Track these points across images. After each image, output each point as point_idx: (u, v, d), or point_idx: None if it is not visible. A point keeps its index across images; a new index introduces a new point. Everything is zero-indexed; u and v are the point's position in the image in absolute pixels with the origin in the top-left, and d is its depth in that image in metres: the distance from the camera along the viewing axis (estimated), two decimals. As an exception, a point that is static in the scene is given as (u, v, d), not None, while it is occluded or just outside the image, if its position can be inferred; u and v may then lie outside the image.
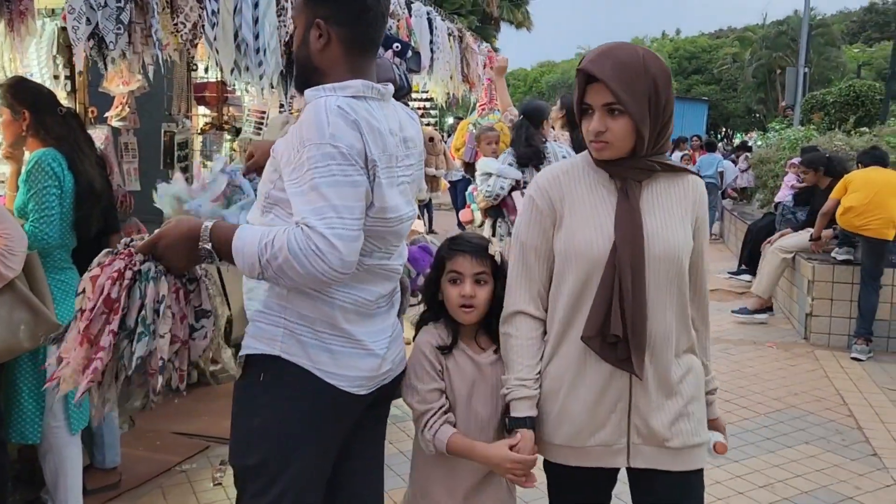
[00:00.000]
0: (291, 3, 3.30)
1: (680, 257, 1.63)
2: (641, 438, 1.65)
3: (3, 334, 2.35)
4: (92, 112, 3.81)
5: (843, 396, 4.59)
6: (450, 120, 14.45)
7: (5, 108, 2.70)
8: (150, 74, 3.16)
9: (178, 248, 1.54)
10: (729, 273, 8.12)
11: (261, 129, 4.44)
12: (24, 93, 2.72)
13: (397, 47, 3.30)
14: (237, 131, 4.55)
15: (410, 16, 4.87)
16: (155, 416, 3.79)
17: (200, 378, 4.01)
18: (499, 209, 4.42)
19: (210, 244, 1.52)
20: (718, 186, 11.36)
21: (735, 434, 3.82)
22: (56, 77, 3.64)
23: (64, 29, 3.26)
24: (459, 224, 9.71)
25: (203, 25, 2.75)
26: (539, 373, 1.69)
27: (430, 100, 8.83)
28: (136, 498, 3.09)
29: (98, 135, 3.53)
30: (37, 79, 3.42)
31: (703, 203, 1.72)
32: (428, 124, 8.05)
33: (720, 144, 19.79)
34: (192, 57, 3.51)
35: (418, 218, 4.45)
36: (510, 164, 4.30)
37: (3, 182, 3.20)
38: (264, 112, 4.50)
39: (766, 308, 6.55)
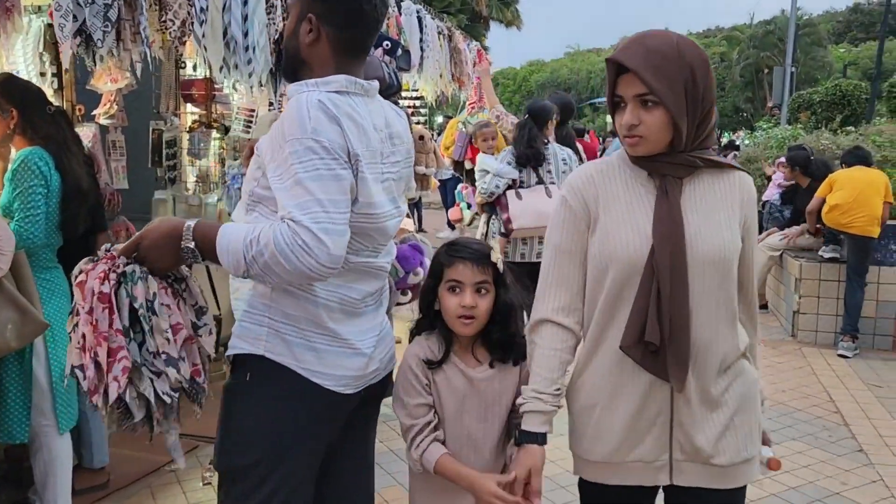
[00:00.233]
0: (281, 0, 3.29)
1: (726, 259, 1.50)
2: (685, 455, 1.53)
3: (-10, 334, 2.33)
4: (79, 110, 3.78)
5: (830, 393, 4.64)
6: (439, 119, 14.46)
7: (-7, 106, 2.68)
8: (138, 72, 3.14)
9: (161, 247, 1.51)
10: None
11: (250, 127, 4.42)
12: (12, 90, 2.69)
13: (387, 45, 3.30)
14: (226, 129, 4.52)
15: (400, 14, 4.86)
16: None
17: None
18: (493, 206, 4.44)
19: (193, 243, 1.49)
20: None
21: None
22: (43, 74, 3.61)
23: (50, 26, 3.24)
24: (449, 223, 9.74)
25: (192, 23, 2.74)
26: (558, 389, 1.57)
27: (420, 98, 8.83)
28: (125, 498, 3.08)
29: (86, 133, 3.50)
30: (23, 76, 3.39)
31: (751, 202, 1.57)
32: (418, 123, 8.05)
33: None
34: (181, 54, 3.48)
35: (408, 216, 4.46)
36: (508, 163, 4.32)
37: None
38: (253, 110, 4.48)
39: (762, 305, 6.61)
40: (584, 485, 1.66)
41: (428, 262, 3.11)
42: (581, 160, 4.67)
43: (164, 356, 1.52)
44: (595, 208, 1.55)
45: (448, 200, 9.52)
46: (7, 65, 3.40)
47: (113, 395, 1.47)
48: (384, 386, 1.77)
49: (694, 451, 1.52)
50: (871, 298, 5.60)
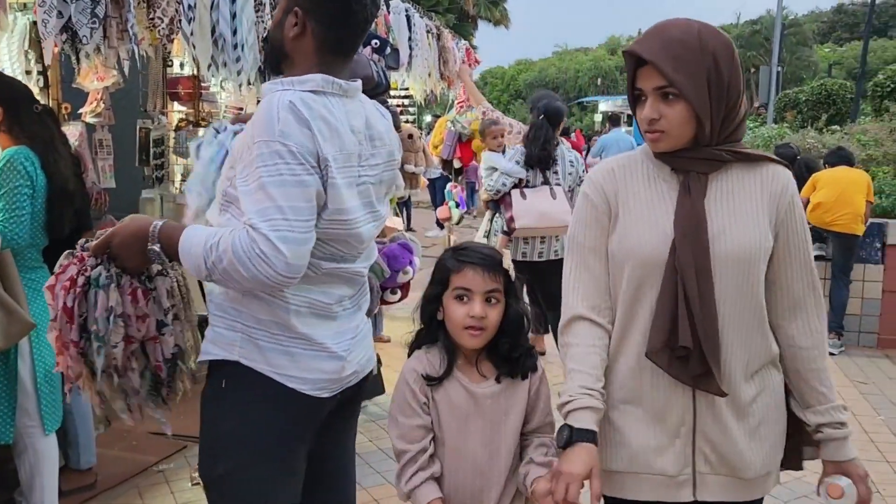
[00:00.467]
0: (269, -2, 3.28)
1: (752, 258, 1.40)
2: (709, 467, 1.44)
3: (-25, 334, 2.31)
4: (65, 108, 3.74)
5: (816, 390, 4.67)
6: (428, 117, 14.45)
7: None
8: (126, 70, 3.12)
9: (130, 247, 1.50)
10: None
11: (238, 125, 4.40)
12: (-2, 88, 2.66)
13: (376, 44, 3.30)
14: (214, 128, 4.50)
15: (389, 12, 4.86)
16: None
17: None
18: (497, 204, 4.46)
19: (158, 245, 1.47)
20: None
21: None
22: (28, 73, 3.58)
23: (36, 23, 3.21)
24: (438, 221, 9.73)
25: (180, 20, 2.72)
26: (604, 387, 1.44)
27: (409, 97, 8.83)
28: (113, 499, 3.06)
29: (72, 131, 3.47)
30: (8, 74, 3.36)
31: (784, 195, 1.44)
32: (407, 121, 8.04)
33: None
34: (169, 52, 3.47)
35: (396, 215, 4.45)
36: (517, 162, 4.34)
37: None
38: (241, 109, 4.47)
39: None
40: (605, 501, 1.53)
41: (417, 260, 3.10)
42: None
43: (114, 362, 1.53)
44: (615, 203, 1.48)
45: (437, 199, 9.51)
46: (-9, 63, 3.37)
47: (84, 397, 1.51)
48: (362, 387, 1.74)
49: (719, 462, 1.43)
50: (856, 296, 5.65)
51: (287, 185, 1.38)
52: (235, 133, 1.85)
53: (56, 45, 2.40)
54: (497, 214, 4.54)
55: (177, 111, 4.63)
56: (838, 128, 9.91)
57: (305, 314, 1.54)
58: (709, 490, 1.45)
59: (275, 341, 1.52)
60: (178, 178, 4.40)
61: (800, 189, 5.81)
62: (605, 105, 25.28)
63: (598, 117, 15.91)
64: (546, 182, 4.30)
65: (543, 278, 4.18)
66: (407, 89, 6.18)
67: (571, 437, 1.37)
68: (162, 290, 1.58)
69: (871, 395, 4.59)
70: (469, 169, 5.82)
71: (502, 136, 4.75)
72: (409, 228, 9.84)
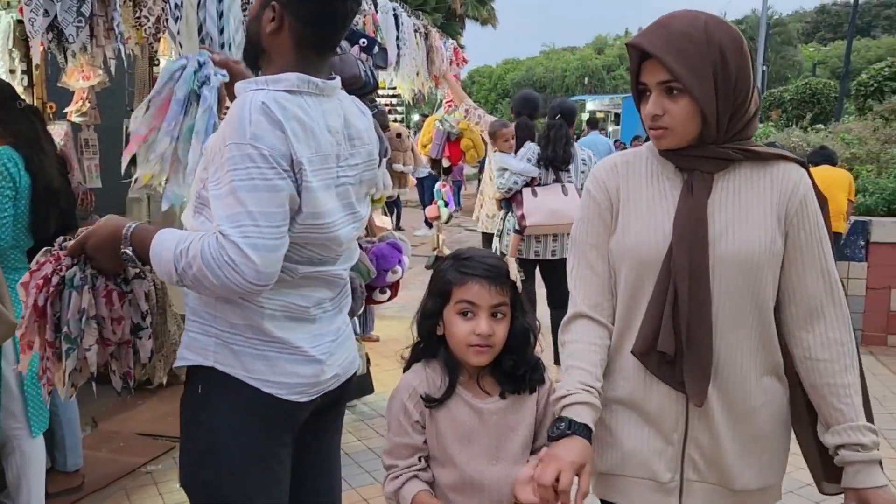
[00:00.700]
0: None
1: (756, 262, 1.33)
2: (698, 474, 1.39)
3: (-40, 335, 2.29)
4: (51, 108, 3.72)
5: (802, 386, 4.71)
6: (415, 117, 14.43)
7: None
8: (112, 69, 3.10)
9: (105, 249, 1.48)
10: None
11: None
12: (-22, 86, 2.64)
13: (364, 43, 3.28)
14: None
15: (377, 11, 4.85)
16: (118, 418, 3.74)
17: (171, 380, 3.95)
18: (509, 203, 4.50)
19: (130, 248, 1.45)
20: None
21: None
22: (12, 71, 3.55)
23: (20, 22, 3.18)
24: (426, 221, 9.73)
25: (166, 19, 2.71)
26: (603, 386, 1.39)
27: (397, 96, 8.82)
28: (100, 501, 3.04)
29: (57, 131, 3.45)
30: (-8, 73, 3.33)
31: (794, 195, 1.36)
32: (395, 120, 8.03)
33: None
34: (155, 51, 3.44)
35: (385, 214, 4.45)
36: (528, 160, 4.38)
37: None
38: (229, 107, 4.44)
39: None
40: None
41: (407, 259, 3.10)
42: None
43: (91, 374, 1.52)
44: (617, 200, 1.43)
45: (426, 198, 9.51)
46: (-25, 61, 3.33)
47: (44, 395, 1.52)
48: (345, 390, 1.70)
49: (709, 470, 1.39)
50: (841, 293, 5.71)
51: (258, 189, 1.34)
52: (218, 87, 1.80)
53: (42, 44, 2.38)
54: (509, 213, 4.59)
55: (163, 110, 4.60)
56: (823, 126, 10.02)
57: (280, 318, 1.50)
58: (695, 498, 1.40)
59: (250, 345, 1.49)
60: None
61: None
62: (592, 104, 25.38)
63: (584, 116, 15.99)
64: (558, 180, 4.36)
65: (558, 276, 4.24)
66: (395, 88, 6.17)
67: (568, 428, 1.30)
68: (139, 292, 1.55)
69: (855, 391, 4.63)
70: (455, 168, 5.83)
71: (513, 138, 4.79)
72: (398, 228, 9.84)
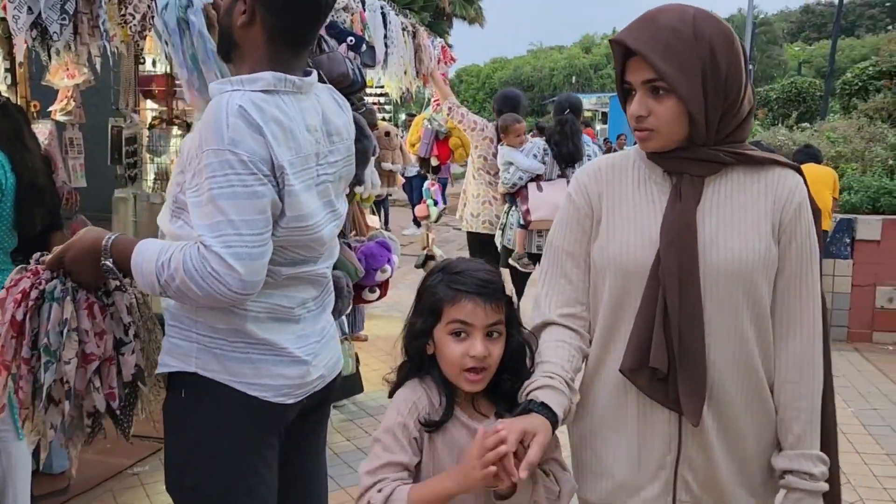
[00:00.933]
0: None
1: (748, 270, 1.26)
2: (690, 496, 1.32)
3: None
4: (34, 106, 3.68)
5: (788, 383, 4.76)
6: (402, 116, 14.41)
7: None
8: (98, 67, 3.07)
9: (84, 262, 1.44)
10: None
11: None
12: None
13: (351, 41, 3.28)
14: (188, 126, 4.45)
15: (364, 10, 4.83)
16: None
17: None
18: (514, 197, 4.54)
19: (111, 260, 1.42)
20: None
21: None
22: (-6, 69, 3.51)
23: (3, 19, 3.14)
24: (415, 220, 9.71)
25: (152, 16, 2.68)
26: (572, 379, 1.30)
27: (385, 95, 8.80)
28: (87, 502, 3.03)
29: (41, 130, 3.41)
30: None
31: (789, 202, 1.30)
32: (383, 119, 8.01)
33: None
34: (141, 49, 3.42)
35: (373, 213, 4.44)
36: (535, 155, 4.40)
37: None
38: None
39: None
40: None
41: (396, 258, 3.10)
42: None
43: (66, 385, 1.47)
44: (599, 207, 1.36)
45: (414, 197, 9.50)
46: (-43, 60, 3.29)
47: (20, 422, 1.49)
48: (331, 390, 1.69)
49: (701, 492, 1.32)
50: (826, 291, 5.67)
51: (239, 197, 1.31)
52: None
53: (25, 42, 2.35)
54: (513, 208, 4.61)
55: (149, 109, 4.56)
56: (808, 125, 10.10)
57: (264, 319, 1.48)
58: None
59: (233, 349, 1.47)
60: (150, 176, 4.34)
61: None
62: (580, 103, 25.44)
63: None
64: (563, 175, 4.40)
65: None
66: (383, 87, 6.16)
67: (527, 406, 1.24)
68: (121, 305, 1.52)
69: (841, 388, 4.68)
70: (443, 167, 5.82)
71: (524, 133, 4.82)
72: (386, 227, 9.83)
